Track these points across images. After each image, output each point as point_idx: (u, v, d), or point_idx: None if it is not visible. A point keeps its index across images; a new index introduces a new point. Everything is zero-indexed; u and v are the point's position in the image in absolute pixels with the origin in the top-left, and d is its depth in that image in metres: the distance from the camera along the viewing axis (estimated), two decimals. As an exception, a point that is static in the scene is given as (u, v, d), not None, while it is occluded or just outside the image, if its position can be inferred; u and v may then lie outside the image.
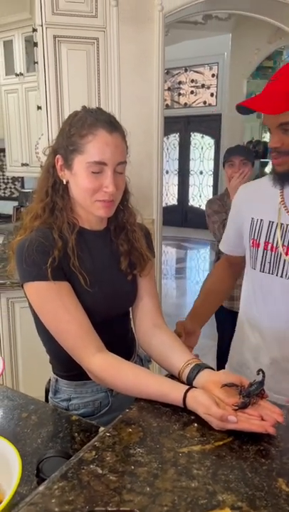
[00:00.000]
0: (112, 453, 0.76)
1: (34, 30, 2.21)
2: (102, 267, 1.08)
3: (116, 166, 0.99)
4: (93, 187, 0.98)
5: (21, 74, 3.67)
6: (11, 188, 4.64)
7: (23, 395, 1.15)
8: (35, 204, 1.06)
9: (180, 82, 8.81)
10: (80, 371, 1.02)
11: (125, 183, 1.09)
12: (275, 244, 1.19)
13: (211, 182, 8.71)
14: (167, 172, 9.19)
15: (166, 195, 9.29)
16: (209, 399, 0.83)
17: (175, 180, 9.15)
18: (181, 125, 8.82)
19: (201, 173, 8.84)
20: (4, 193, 4.67)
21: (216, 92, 8.31)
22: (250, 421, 0.80)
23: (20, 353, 2.30)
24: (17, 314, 2.21)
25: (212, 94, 8.41)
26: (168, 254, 7.45)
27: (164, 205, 9.24)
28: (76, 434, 0.99)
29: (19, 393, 1.17)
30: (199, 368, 0.95)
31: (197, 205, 8.98)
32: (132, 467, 0.72)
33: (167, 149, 9.09)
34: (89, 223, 1.08)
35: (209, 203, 2.49)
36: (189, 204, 9.08)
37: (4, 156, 4.07)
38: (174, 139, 8.98)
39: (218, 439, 0.80)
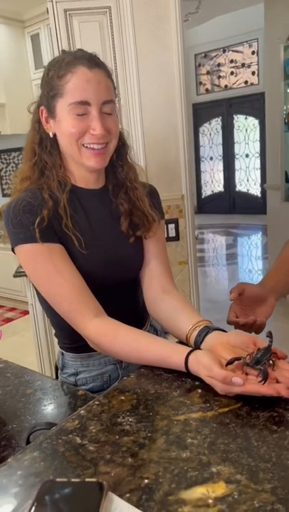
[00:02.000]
0: (97, 422, 0.66)
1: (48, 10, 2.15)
2: (99, 228, 0.98)
3: (101, 105, 0.89)
4: (78, 130, 0.88)
5: (49, 66, 3.67)
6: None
7: (31, 372, 1.09)
8: (23, 165, 0.99)
9: (219, 64, 8.51)
10: (84, 342, 0.93)
11: (120, 132, 0.98)
12: None
13: (258, 164, 8.35)
14: (211, 158, 8.94)
15: (212, 182, 9.04)
16: (212, 359, 0.70)
17: (220, 166, 8.87)
18: (223, 108, 8.52)
19: (247, 156, 8.50)
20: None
21: (258, 70, 7.94)
22: (260, 383, 0.67)
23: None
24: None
25: (253, 73, 8.05)
26: (216, 241, 7.22)
27: (209, 192, 9.01)
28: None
29: (28, 370, 1.11)
30: (208, 329, 0.83)
31: (245, 190, 8.65)
32: (117, 437, 0.62)
33: (210, 135, 8.84)
34: (84, 181, 0.99)
35: None
36: (237, 189, 8.76)
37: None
38: (217, 123, 8.70)
39: (223, 405, 0.68)
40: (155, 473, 0.54)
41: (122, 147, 1.01)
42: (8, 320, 4.19)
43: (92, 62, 0.89)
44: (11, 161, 4.77)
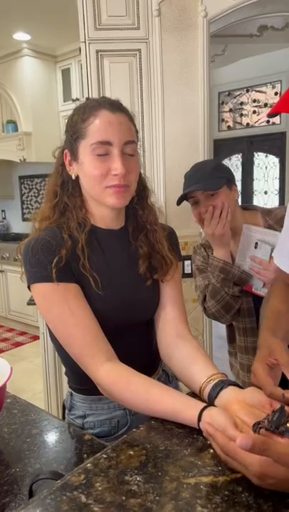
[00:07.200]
0: (104, 478, 0.64)
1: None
2: (116, 269, 0.98)
3: (123, 145, 0.90)
4: (100, 172, 0.89)
5: (77, 99, 3.80)
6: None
7: (38, 410, 1.07)
8: (43, 206, 1.00)
9: (242, 103, 8.69)
10: (95, 384, 0.91)
11: (141, 176, 0.99)
12: None
13: (276, 202, 8.36)
14: (230, 193, 8.99)
15: (229, 216, 9.07)
16: (227, 419, 0.68)
17: (238, 201, 8.90)
18: (244, 145, 8.63)
19: (266, 193, 8.53)
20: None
21: (280, 110, 8.07)
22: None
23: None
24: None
25: (276, 113, 8.18)
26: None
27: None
28: (85, 455, 0.87)
29: (35, 408, 1.09)
30: (223, 384, 0.80)
31: (262, 226, 8.63)
32: (123, 498, 0.60)
33: (230, 170, 8.93)
34: (103, 221, 0.99)
35: (194, 251, 1.63)
36: (254, 225, 8.75)
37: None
38: (237, 159, 8.80)
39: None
40: None
41: (142, 191, 1.02)
42: (18, 344, 4.17)
43: (115, 106, 0.91)
44: (34, 186, 4.87)
